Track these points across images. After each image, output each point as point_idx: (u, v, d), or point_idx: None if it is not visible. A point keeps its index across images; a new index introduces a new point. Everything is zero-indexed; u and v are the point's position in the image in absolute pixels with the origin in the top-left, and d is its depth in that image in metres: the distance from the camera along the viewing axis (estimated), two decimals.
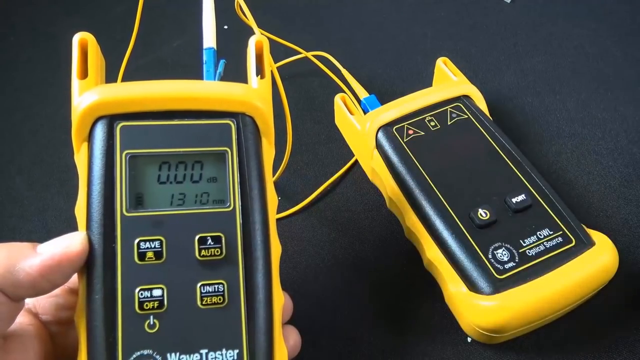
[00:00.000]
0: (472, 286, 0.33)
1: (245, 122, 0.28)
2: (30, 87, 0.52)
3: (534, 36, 0.54)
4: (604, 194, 0.42)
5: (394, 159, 0.38)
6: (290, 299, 0.29)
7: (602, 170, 0.44)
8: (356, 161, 0.45)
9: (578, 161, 0.44)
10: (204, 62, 0.33)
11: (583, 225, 0.35)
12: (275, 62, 0.50)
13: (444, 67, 0.45)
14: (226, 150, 0.27)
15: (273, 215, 0.28)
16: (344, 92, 0.46)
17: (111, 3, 0.60)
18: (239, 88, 0.28)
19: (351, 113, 0.43)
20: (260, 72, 0.30)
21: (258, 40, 0.30)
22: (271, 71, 0.31)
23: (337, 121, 0.47)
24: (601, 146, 0.45)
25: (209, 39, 0.34)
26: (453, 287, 0.34)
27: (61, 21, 0.58)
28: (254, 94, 0.28)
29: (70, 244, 0.24)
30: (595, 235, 0.34)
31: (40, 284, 0.24)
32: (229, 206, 0.27)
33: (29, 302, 0.27)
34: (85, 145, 0.26)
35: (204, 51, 0.33)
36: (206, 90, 0.28)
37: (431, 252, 0.36)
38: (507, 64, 0.52)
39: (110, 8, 0.59)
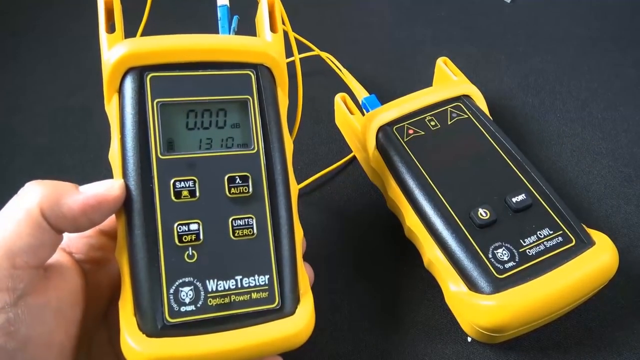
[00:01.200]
0: (472, 286, 0.33)
1: (263, 72, 0.30)
2: (30, 87, 0.52)
3: (534, 36, 0.55)
4: (604, 193, 0.42)
5: (394, 158, 0.38)
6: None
7: (602, 170, 0.44)
8: (354, 156, 0.45)
9: (578, 161, 0.44)
10: (219, 18, 0.34)
11: (583, 225, 0.35)
12: None
13: (444, 67, 0.45)
14: (248, 98, 0.29)
15: (290, 157, 0.30)
16: (344, 92, 0.46)
17: None
18: (257, 41, 0.31)
19: (351, 113, 0.43)
20: (272, 26, 0.32)
21: None
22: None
23: (337, 121, 0.47)
24: (601, 146, 0.45)
25: None
26: (453, 287, 0.34)
27: (62, 20, 0.58)
28: (270, 47, 0.31)
29: (110, 188, 0.27)
30: (595, 235, 0.34)
31: (80, 220, 0.26)
32: (253, 149, 0.29)
33: (62, 243, 0.29)
34: (116, 96, 0.28)
35: (218, 8, 0.35)
36: (228, 43, 0.30)
37: (431, 252, 0.36)
38: (507, 64, 0.52)
39: None
